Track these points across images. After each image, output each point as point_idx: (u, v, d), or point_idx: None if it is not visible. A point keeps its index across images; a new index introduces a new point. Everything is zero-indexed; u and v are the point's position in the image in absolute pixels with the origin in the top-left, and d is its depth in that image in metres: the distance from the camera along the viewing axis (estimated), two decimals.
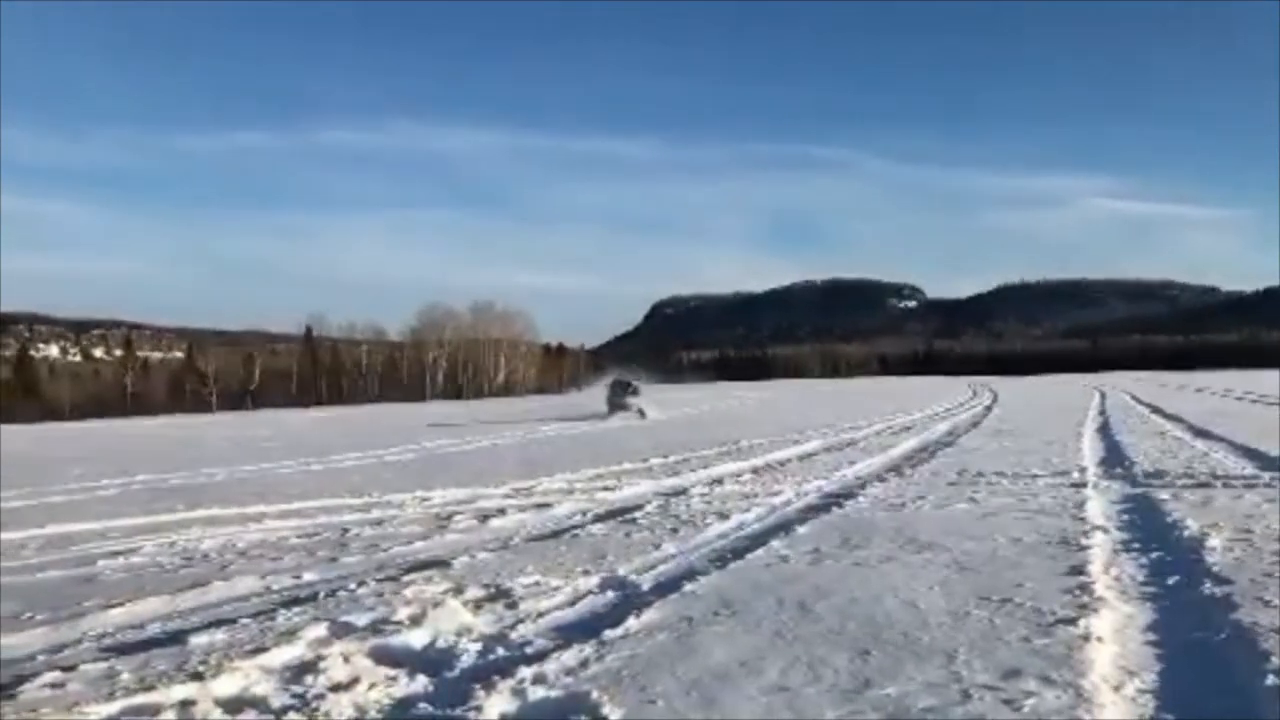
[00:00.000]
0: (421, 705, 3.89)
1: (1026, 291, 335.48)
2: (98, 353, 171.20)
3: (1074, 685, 3.78)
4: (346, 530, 8.67)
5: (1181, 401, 32.60)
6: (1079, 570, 5.95)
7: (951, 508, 8.86)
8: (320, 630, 4.96)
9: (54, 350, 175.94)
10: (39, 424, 53.72)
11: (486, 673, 4.18)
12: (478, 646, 4.65)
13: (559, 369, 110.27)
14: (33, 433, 39.65)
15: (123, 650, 4.80)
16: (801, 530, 7.76)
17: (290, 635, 4.88)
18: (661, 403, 36.67)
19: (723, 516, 8.65)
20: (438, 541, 8.00)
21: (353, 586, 6.14)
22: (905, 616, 4.94)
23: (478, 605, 5.50)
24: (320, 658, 4.46)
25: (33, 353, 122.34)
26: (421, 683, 4.14)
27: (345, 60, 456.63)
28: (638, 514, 9.05)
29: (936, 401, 38.81)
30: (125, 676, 4.27)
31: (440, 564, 6.85)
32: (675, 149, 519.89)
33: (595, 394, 39.66)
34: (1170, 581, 5.64)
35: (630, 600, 5.56)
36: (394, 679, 4.18)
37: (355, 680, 4.16)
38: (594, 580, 6.10)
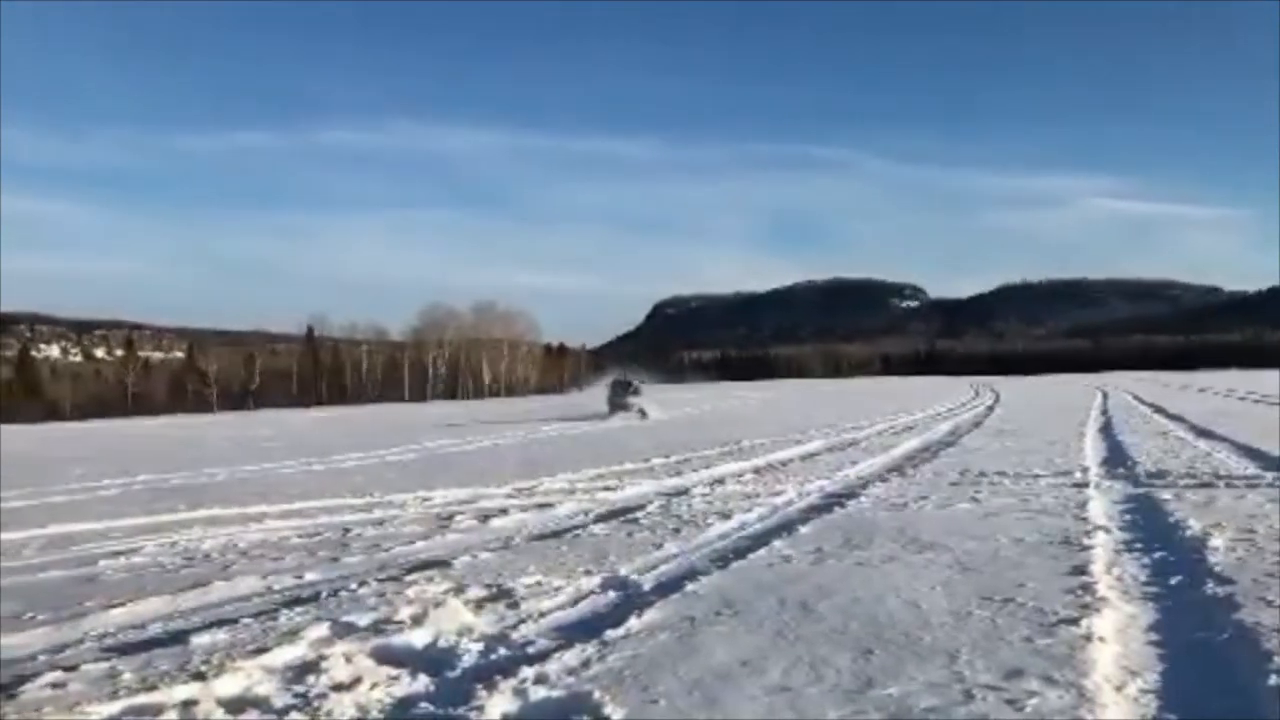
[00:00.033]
0: (423, 705, 3.88)
1: (1028, 291, 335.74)
2: (99, 353, 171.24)
3: (1076, 685, 3.78)
4: (348, 530, 8.67)
5: (1184, 401, 32.57)
6: (1081, 570, 5.94)
7: (954, 508, 8.85)
8: (322, 630, 4.96)
9: (55, 350, 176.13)
10: (40, 424, 53.74)
11: (488, 672, 4.18)
12: (479, 646, 4.64)
13: (560, 369, 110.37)
14: (34, 433, 39.68)
15: (124, 650, 4.80)
16: (804, 530, 7.76)
17: (292, 635, 4.88)
18: (663, 403, 36.66)
19: (724, 516, 8.64)
20: (439, 541, 8.00)
21: (354, 586, 6.14)
22: (907, 616, 4.93)
23: (479, 605, 5.50)
24: (322, 658, 4.46)
25: (34, 353, 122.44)
26: (423, 682, 4.13)
27: (345, 60, 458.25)
28: (639, 514, 9.04)
29: (938, 401, 38.79)
30: (127, 676, 4.27)
31: (442, 564, 6.85)
32: (675, 149, 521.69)
33: (596, 394, 39.64)
34: (1173, 581, 5.63)
35: (632, 600, 5.55)
36: (396, 679, 4.18)
37: (357, 680, 4.15)
38: (596, 580, 6.09)
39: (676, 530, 8.02)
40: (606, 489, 11.32)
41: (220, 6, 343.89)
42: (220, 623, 5.29)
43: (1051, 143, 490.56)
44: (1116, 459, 13.03)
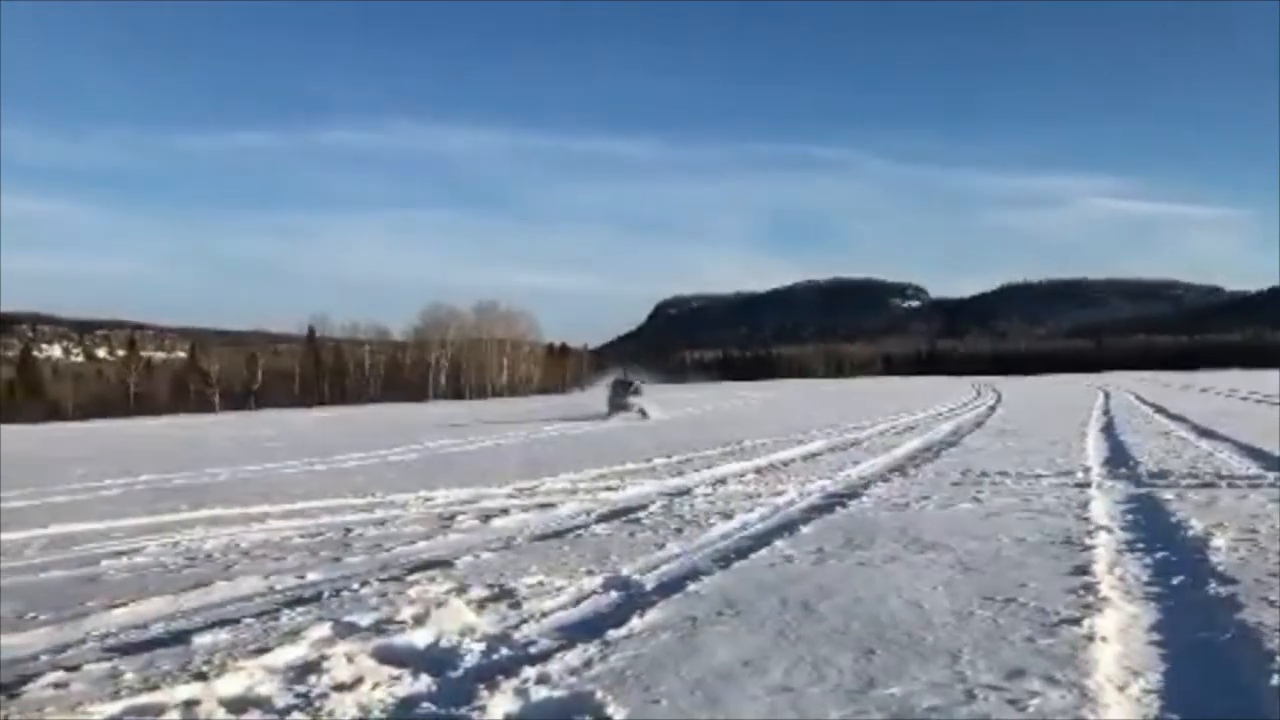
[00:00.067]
0: (425, 705, 3.88)
1: (1030, 291, 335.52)
2: (101, 353, 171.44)
3: (1078, 685, 3.77)
4: (350, 530, 8.67)
5: (1185, 401, 32.54)
6: (1083, 570, 5.93)
7: (955, 508, 8.85)
8: (324, 630, 4.96)
9: (57, 350, 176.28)
10: (42, 424, 53.78)
11: (490, 673, 4.18)
12: (481, 646, 4.64)
13: (562, 369, 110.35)
14: (36, 433, 39.72)
15: (126, 650, 4.81)
16: (805, 530, 7.75)
17: (294, 635, 4.88)
18: (664, 402, 36.65)
19: (726, 516, 8.64)
20: (441, 541, 8.00)
21: (356, 586, 6.14)
22: (909, 616, 4.93)
23: (481, 605, 5.50)
24: (324, 658, 4.46)
25: (36, 353, 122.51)
26: (425, 683, 4.13)
27: (346, 60, 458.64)
28: (641, 514, 9.04)
29: (940, 401, 38.77)
30: (129, 676, 4.27)
31: (443, 564, 6.85)
32: (675, 149, 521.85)
33: (598, 394, 39.62)
34: (1175, 581, 5.63)
35: (634, 600, 5.55)
36: (397, 679, 4.18)
37: (359, 680, 4.16)
38: (597, 580, 6.09)
39: (678, 530, 8.01)
40: (608, 489, 11.32)
41: (220, 6, 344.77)
42: (222, 623, 5.30)
43: (1052, 143, 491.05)
44: (1118, 459, 13.02)
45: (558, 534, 8.17)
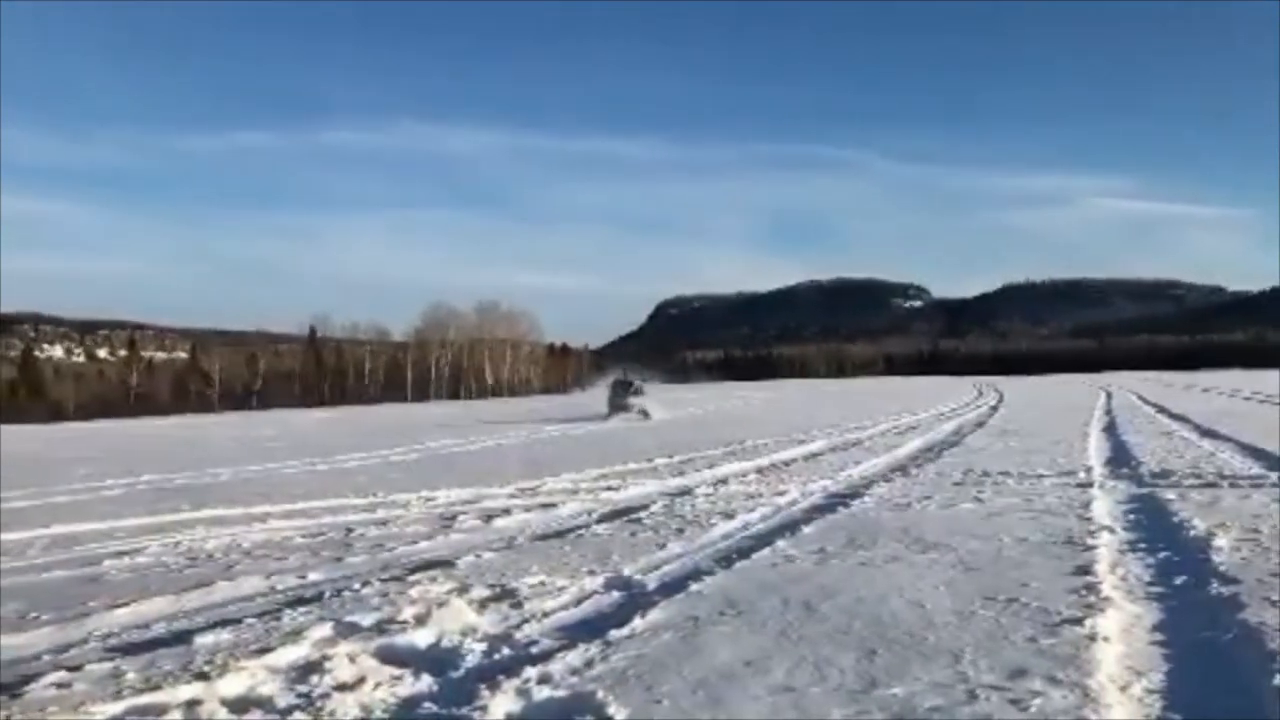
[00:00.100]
0: (426, 705, 3.88)
1: (1032, 291, 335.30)
2: (102, 353, 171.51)
3: (1080, 685, 3.77)
4: (351, 530, 8.67)
5: (1188, 401, 32.53)
6: (1085, 570, 5.93)
7: (957, 508, 8.84)
8: (325, 630, 4.96)
9: (58, 351, 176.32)
10: (44, 424, 53.82)
11: (491, 672, 4.18)
12: (483, 646, 4.64)
13: (563, 369, 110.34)
14: (37, 433, 39.73)
15: (128, 650, 4.81)
16: (807, 530, 7.75)
17: (295, 635, 4.88)
18: (666, 402, 36.60)
19: (728, 516, 8.64)
20: (442, 541, 8.00)
21: (358, 586, 6.14)
22: (911, 616, 4.93)
23: (482, 605, 5.50)
24: (325, 657, 4.46)
25: (37, 353, 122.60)
26: (426, 682, 4.13)
27: (346, 60, 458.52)
28: (643, 514, 9.04)
29: (942, 401, 38.77)
30: (131, 676, 4.27)
31: (445, 564, 6.85)
32: (676, 149, 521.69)
33: (599, 394, 39.56)
34: (1177, 581, 5.63)
35: (635, 600, 5.55)
36: (399, 679, 4.18)
37: (360, 680, 4.16)
38: (599, 580, 6.09)
39: (680, 530, 8.01)
40: (610, 489, 11.32)
41: (220, 6, 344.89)
42: (224, 623, 5.30)
43: (1053, 142, 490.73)
44: (1120, 459, 13.01)
45: (559, 534, 8.17)
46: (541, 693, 3.88)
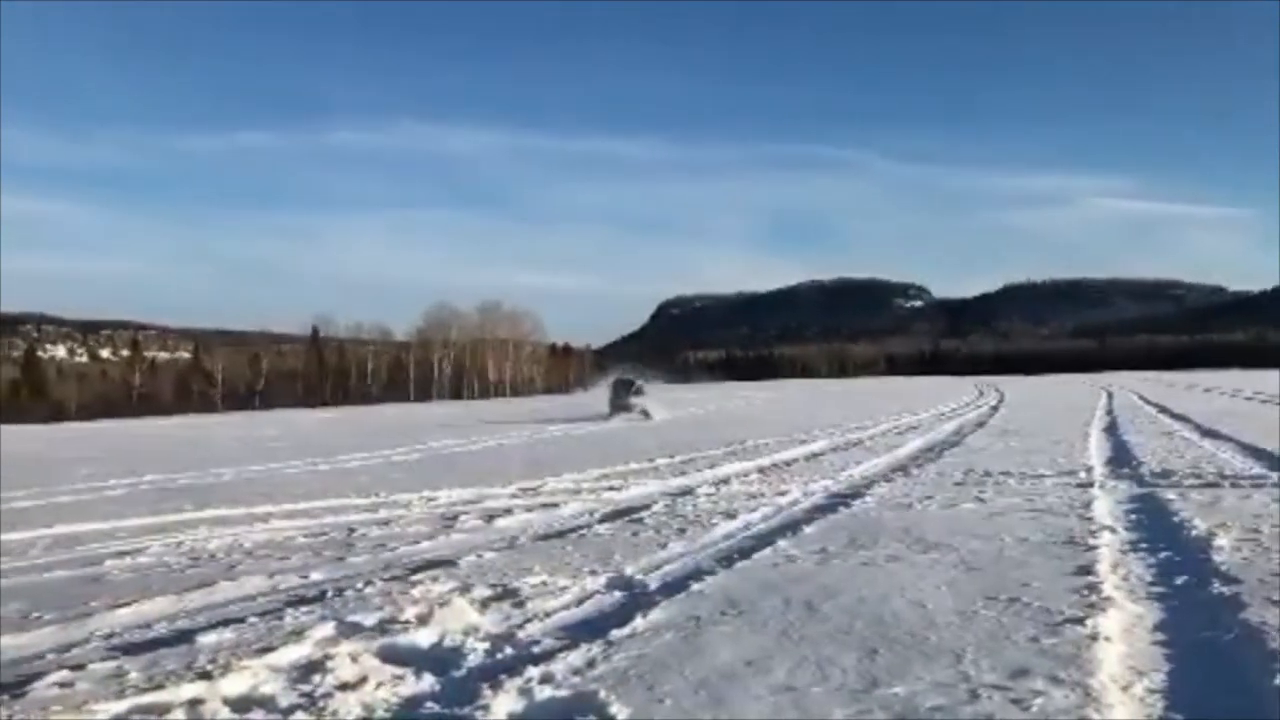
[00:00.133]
0: (429, 704, 3.89)
1: (1033, 291, 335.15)
2: (105, 353, 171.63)
3: (1082, 685, 3.77)
4: (353, 530, 8.68)
5: (1189, 401, 32.51)
6: (1086, 570, 5.93)
7: (958, 507, 8.85)
8: (328, 630, 4.97)
9: (61, 351, 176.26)
10: (46, 424, 53.84)
11: (494, 672, 4.18)
12: (485, 646, 4.65)
13: (565, 369, 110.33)
14: (40, 433, 39.76)
15: (130, 650, 4.81)
16: (808, 530, 7.76)
17: (298, 635, 4.89)
18: (667, 402, 36.58)
19: (729, 516, 8.64)
20: (444, 541, 8.01)
21: (360, 586, 6.15)
22: (913, 616, 4.93)
23: (484, 605, 5.50)
24: (328, 657, 4.47)
25: (40, 353, 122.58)
26: (429, 682, 4.14)
27: (346, 60, 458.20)
28: (644, 514, 9.04)
29: (943, 401, 38.75)
30: (133, 676, 4.28)
31: (447, 563, 6.86)
32: (676, 149, 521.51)
33: (601, 394, 39.53)
34: (1178, 581, 5.63)
35: (637, 600, 5.56)
36: (401, 678, 4.18)
37: (363, 679, 4.16)
38: (601, 580, 6.10)
39: (681, 530, 8.02)
40: (611, 489, 11.32)
41: (220, 6, 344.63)
42: (226, 622, 5.30)
43: (1053, 142, 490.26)
44: (1121, 459, 13.01)
45: (561, 534, 8.17)
46: (544, 692, 3.89)
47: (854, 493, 10.12)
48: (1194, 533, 7.08)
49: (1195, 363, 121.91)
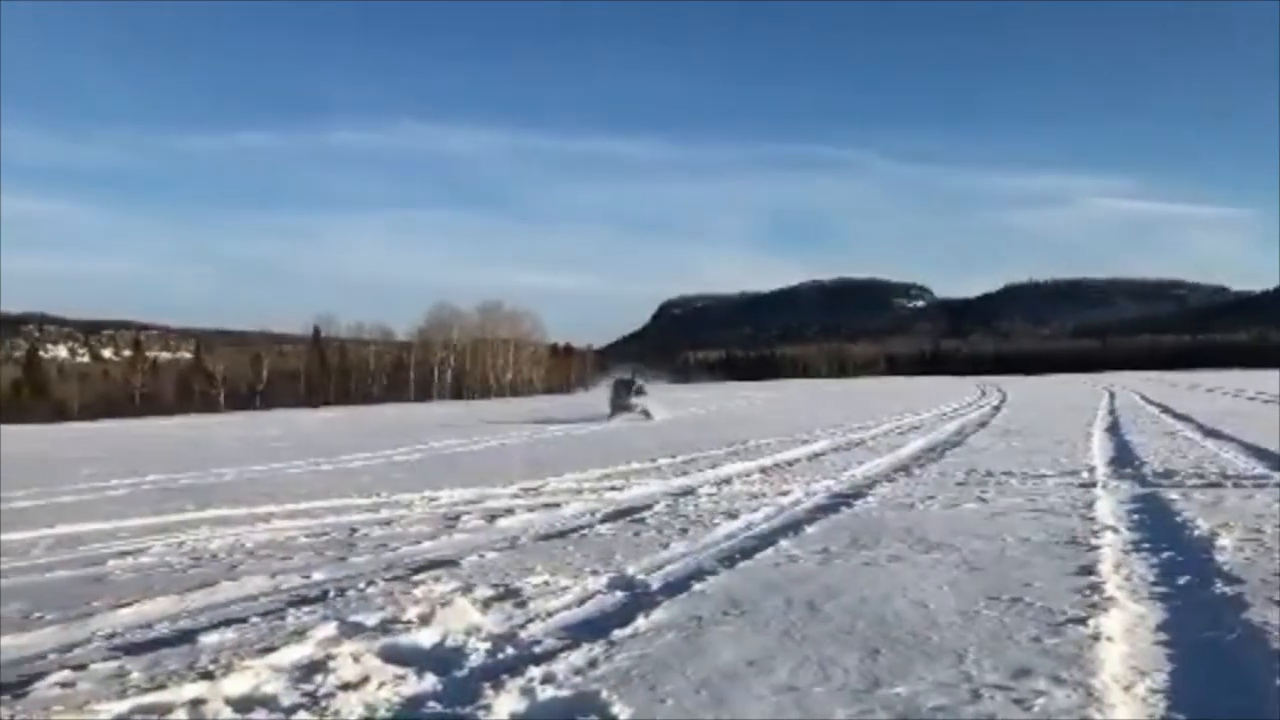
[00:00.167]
0: (431, 704, 3.89)
1: (1034, 291, 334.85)
2: (106, 353, 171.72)
3: (1084, 685, 3.77)
4: (355, 530, 8.68)
5: (1191, 401, 32.49)
6: (1089, 570, 5.93)
7: (960, 507, 8.84)
8: (330, 629, 4.97)
9: (63, 351, 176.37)
10: (49, 424, 53.87)
11: (495, 672, 4.19)
12: (487, 646, 4.65)
13: (567, 369, 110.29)
14: (42, 433, 39.78)
15: (132, 650, 4.82)
16: (810, 530, 7.75)
17: (300, 634, 4.89)
18: (669, 402, 36.54)
19: (731, 516, 8.64)
20: (446, 541, 8.01)
21: (362, 586, 6.15)
22: (915, 616, 4.93)
23: (486, 604, 5.51)
24: (330, 657, 4.47)
25: (42, 353, 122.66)
26: (430, 682, 4.14)
27: (346, 60, 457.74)
28: (646, 514, 9.04)
29: (944, 401, 38.74)
30: (135, 675, 4.28)
31: (449, 563, 6.86)
32: (676, 149, 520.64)
33: (602, 394, 39.52)
34: (1181, 581, 5.62)
35: (639, 600, 5.56)
36: (403, 678, 4.18)
37: (365, 679, 4.16)
38: (602, 580, 6.10)
39: (683, 530, 8.02)
40: (613, 489, 11.32)
41: (220, 6, 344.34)
42: (228, 622, 5.30)
43: (1053, 142, 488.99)
44: (1124, 459, 13.01)
45: (562, 534, 8.17)
46: (545, 692, 3.89)
47: (856, 493, 10.12)
48: (1196, 533, 7.08)
49: (1197, 363, 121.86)
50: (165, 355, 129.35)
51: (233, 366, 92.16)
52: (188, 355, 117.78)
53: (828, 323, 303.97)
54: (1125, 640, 4.43)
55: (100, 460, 19.66)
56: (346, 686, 4.08)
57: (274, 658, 4.48)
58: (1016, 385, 64.94)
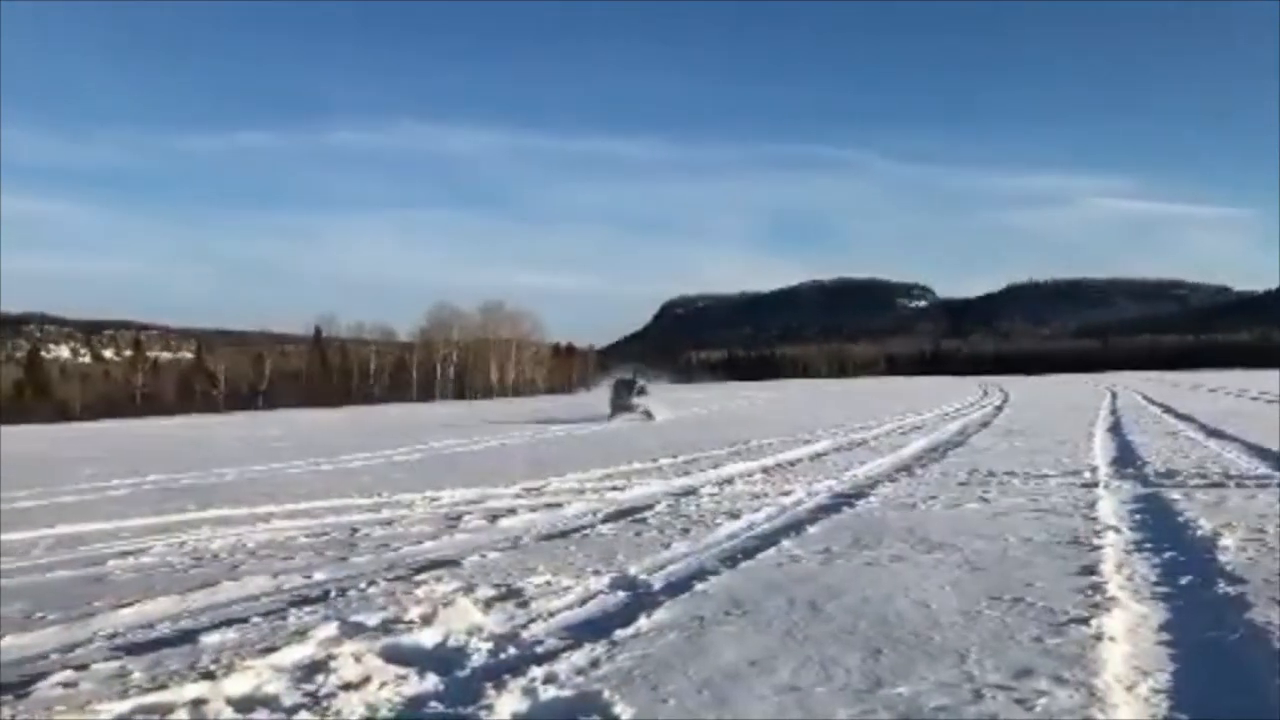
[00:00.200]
0: (432, 704, 3.89)
1: (1035, 291, 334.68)
2: (108, 353, 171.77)
3: (1087, 685, 3.77)
4: (356, 530, 8.68)
5: (1193, 401, 32.47)
6: (1091, 570, 5.92)
7: (962, 507, 8.84)
8: (331, 629, 4.97)
9: (64, 351, 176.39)
10: (50, 424, 53.90)
11: (497, 672, 4.18)
12: (489, 646, 4.65)
13: (568, 369, 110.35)
14: (44, 433, 39.81)
15: (134, 650, 4.82)
16: (812, 530, 7.75)
17: (301, 634, 4.89)
18: (670, 402, 36.48)
19: (733, 516, 8.64)
20: (448, 541, 8.01)
21: (363, 586, 6.15)
22: (917, 616, 4.92)
23: (488, 604, 5.50)
24: (331, 657, 4.46)
25: (43, 354, 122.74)
26: (432, 682, 4.14)
27: (347, 60, 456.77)
28: (648, 514, 9.04)
29: (946, 401, 38.73)
30: (137, 676, 4.28)
31: (450, 563, 6.86)
32: (676, 149, 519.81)
33: (604, 394, 39.51)
34: (1183, 581, 5.62)
35: (641, 600, 5.55)
36: (405, 678, 4.18)
37: (366, 679, 4.16)
38: (604, 580, 6.10)
39: (685, 530, 8.01)
40: (614, 489, 11.32)
41: (220, 6, 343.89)
42: (229, 622, 5.30)
43: (1053, 142, 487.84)
44: (1126, 459, 13.00)
45: (564, 534, 8.17)
46: (547, 692, 3.88)
47: (858, 493, 10.11)
48: (1199, 533, 7.07)
49: (1199, 363, 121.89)
50: (166, 355, 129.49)
51: (234, 366, 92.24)
52: (188, 355, 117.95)
53: (829, 323, 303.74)
54: (1128, 640, 4.42)
55: (101, 460, 19.67)
56: (348, 686, 4.08)
57: (275, 658, 4.48)
58: (1018, 385, 64.93)
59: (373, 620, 5.13)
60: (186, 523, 9.51)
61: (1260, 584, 5.37)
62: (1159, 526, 7.58)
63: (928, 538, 7.21)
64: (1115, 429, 19.57)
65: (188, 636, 5.02)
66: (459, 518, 9.22)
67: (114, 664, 4.49)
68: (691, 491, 10.80)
